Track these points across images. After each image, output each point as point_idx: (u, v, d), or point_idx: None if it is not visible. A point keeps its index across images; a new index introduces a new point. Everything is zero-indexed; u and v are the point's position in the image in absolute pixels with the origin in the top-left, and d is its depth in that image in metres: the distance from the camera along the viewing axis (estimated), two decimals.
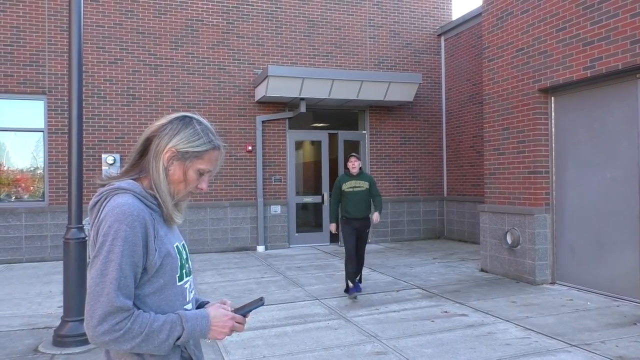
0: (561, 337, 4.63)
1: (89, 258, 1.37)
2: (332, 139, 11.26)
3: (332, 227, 6.66)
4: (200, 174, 1.49)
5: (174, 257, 1.45)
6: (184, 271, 1.50)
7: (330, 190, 11.04)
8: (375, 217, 6.46)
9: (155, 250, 1.39)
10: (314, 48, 11.02)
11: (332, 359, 4.20)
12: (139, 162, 1.49)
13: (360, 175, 6.55)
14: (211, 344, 4.49)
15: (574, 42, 6.32)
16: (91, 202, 1.43)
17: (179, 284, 1.47)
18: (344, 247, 6.71)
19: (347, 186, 6.46)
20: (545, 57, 6.74)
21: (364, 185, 6.50)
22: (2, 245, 9.07)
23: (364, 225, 6.51)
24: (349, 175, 6.55)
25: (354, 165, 6.48)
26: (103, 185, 1.45)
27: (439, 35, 12.06)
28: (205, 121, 1.51)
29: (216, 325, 1.44)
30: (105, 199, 1.40)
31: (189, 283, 1.53)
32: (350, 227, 6.44)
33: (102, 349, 1.38)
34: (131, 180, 1.44)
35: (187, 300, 1.51)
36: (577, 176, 6.59)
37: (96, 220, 1.38)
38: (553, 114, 6.94)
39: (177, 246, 1.49)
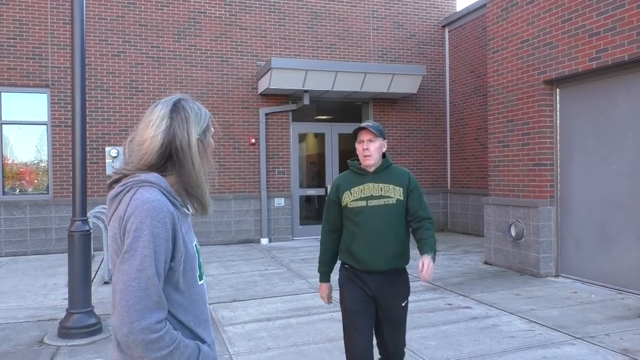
0: (565, 329, 4.63)
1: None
2: (335, 131, 11.23)
3: (323, 292, 3.18)
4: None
5: (192, 255, 1.43)
6: (202, 270, 1.49)
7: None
8: (427, 266, 2.69)
9: (182, 246, 1.36)
10: (317, 40, 10.97)
11: (335, 351, 4.21)
12: (159, 163, 1.43)
13: (384, 170, 2.90)
14: (215, 336, 4.50)
15: (580, 33, 6.26)
16: (113, 192, 1.37)
17: (199, 282, 1.46)
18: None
19: (353, 197, 2.86)
20: (551, 48, 6.68)
21: (394, 193, 2.85)
22: (7, 238, 9.12)
23: (394, 288, 2.91)
24: (358, 173, 2.92)
25: (366, 148, 2.82)
26: (119, 176, 1.41)
27: (443, 26, 11.97)
28: (183, 94, 1.55)
29: None
30: (129, 190, 1.34)
31: (205, 284, 1.53)
32: (358, 291, 2.95)
33: (111, 343, 1.33)
34: (156, 174, 1.39)
35: (206, 301, 1.50)
36: (582, 168, 6.56)
37: (118, 212, 1.33)
38: (558, 106, 6.90)
39: (195, 244, 1.48)
